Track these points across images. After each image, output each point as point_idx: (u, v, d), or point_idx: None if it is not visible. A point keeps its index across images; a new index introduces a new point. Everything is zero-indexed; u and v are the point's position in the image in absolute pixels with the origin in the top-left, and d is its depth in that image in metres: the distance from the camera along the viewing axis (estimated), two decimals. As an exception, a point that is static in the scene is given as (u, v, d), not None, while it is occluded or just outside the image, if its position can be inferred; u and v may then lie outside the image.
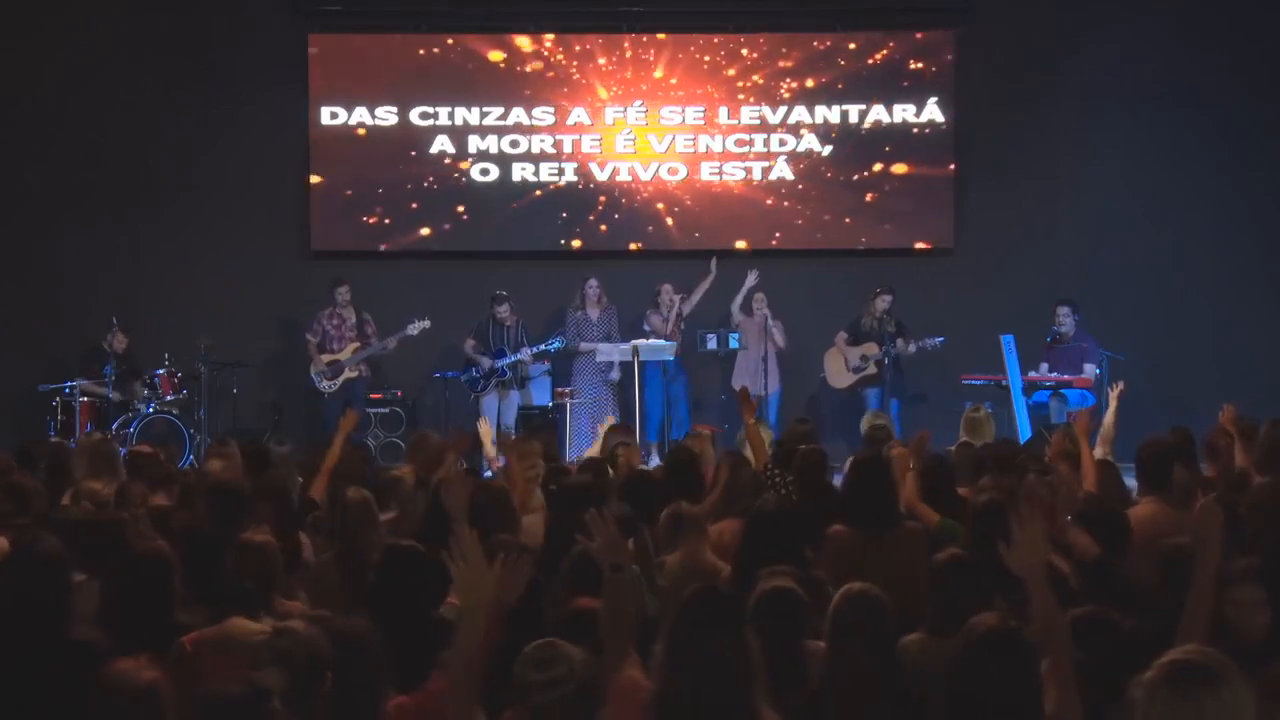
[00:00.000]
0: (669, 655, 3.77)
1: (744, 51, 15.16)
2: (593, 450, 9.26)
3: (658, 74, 15.13)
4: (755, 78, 15.13)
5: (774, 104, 15.12)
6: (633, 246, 15.24)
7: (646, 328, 14.08)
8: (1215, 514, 4.38)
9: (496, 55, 15.17)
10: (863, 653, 4.29)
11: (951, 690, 3.80)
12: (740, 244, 15.15)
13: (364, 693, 3.99)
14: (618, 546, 4.32)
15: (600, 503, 5.98)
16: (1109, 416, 9.56)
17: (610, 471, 7.79)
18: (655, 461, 12.45)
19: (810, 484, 7.29)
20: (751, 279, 14.17)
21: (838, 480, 7.85)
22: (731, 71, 15.15)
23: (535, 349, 13.99)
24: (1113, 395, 10.03)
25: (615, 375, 14.17)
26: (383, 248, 15.21)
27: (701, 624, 3.77)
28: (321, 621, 4.26)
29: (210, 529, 6.20)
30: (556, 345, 14.02)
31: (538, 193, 15.16)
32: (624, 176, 15.17)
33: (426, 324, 13.89)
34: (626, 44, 15.15)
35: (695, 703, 3.66)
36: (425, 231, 15.23)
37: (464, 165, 15.12)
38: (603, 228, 15.23)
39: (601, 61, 15.15)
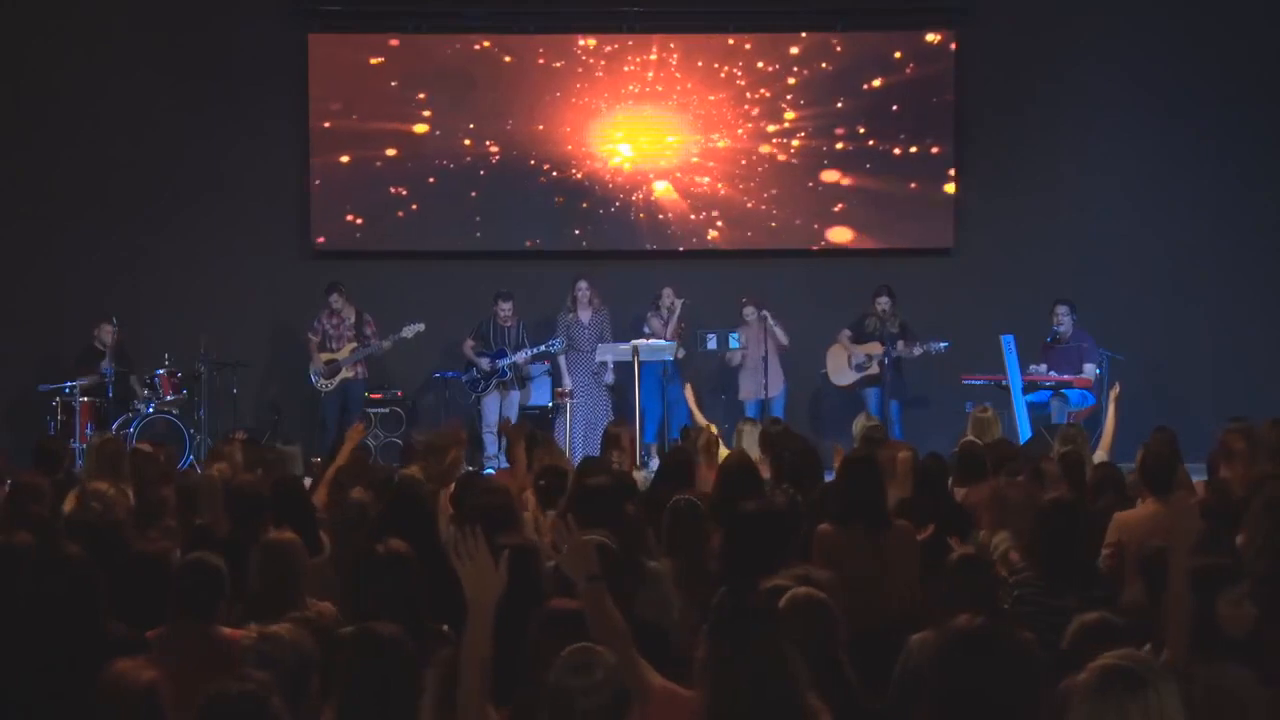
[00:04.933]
0: (715, 659, 3.76)
1: (743, 52, 15.15)
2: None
3: (657, 74, 15.12)
4: (755, 78, 15.12)
5: (774, 104, 15.11)
6: (632, 247, 15.24)
7: (646, 330, 14.05)
8: (1191, 511, 4.55)
9: (496, 55, 15.16)
10: (806, 658, 4.26)
11: (937, 691, 3.79)
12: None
13: (400, 697, 3.94)
14: (585, 557, 4.23)
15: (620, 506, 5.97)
16: (1109, 422, 9.59)
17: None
18: (655, 463, 12.44)
19: (809, 481, 7.31)
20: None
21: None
22: (731, 72, 15.14)
23: (535, 349, 13.98)
24: (1110, 399, 10.05)
25: (610, 379, 14.14)
26: (382, 247, 15.21)
27: (742, 624, 3.76)
28: (357, 626, 4.23)
29: (232, 532, 6.20)
30: (557, 346, 14.01)
31: (538, 193, 15.15)
32: (624, 177, 15.16)
33: (420, 327, 13.88)
34: (626, 44, 15.15)
35: (750, 704, 3.66)
36: (425, 232, 15.22)
37: (464, 165, 15.12)
38: (603, 228, 15.22)
39: (601, 62, 15.15)
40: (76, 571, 4.74)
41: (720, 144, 15.16)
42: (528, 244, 15.22)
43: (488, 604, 3.82)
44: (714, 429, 10.07)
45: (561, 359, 14.14)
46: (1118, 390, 10.17)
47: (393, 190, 15.13)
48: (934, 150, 15.13)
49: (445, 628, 4.79)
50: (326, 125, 15.03)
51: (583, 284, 14.20)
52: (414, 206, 15.16)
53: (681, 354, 14.05)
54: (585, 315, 14.21)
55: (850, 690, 4.50)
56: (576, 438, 13.77)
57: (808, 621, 4.38)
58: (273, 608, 5.00)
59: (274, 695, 3.61)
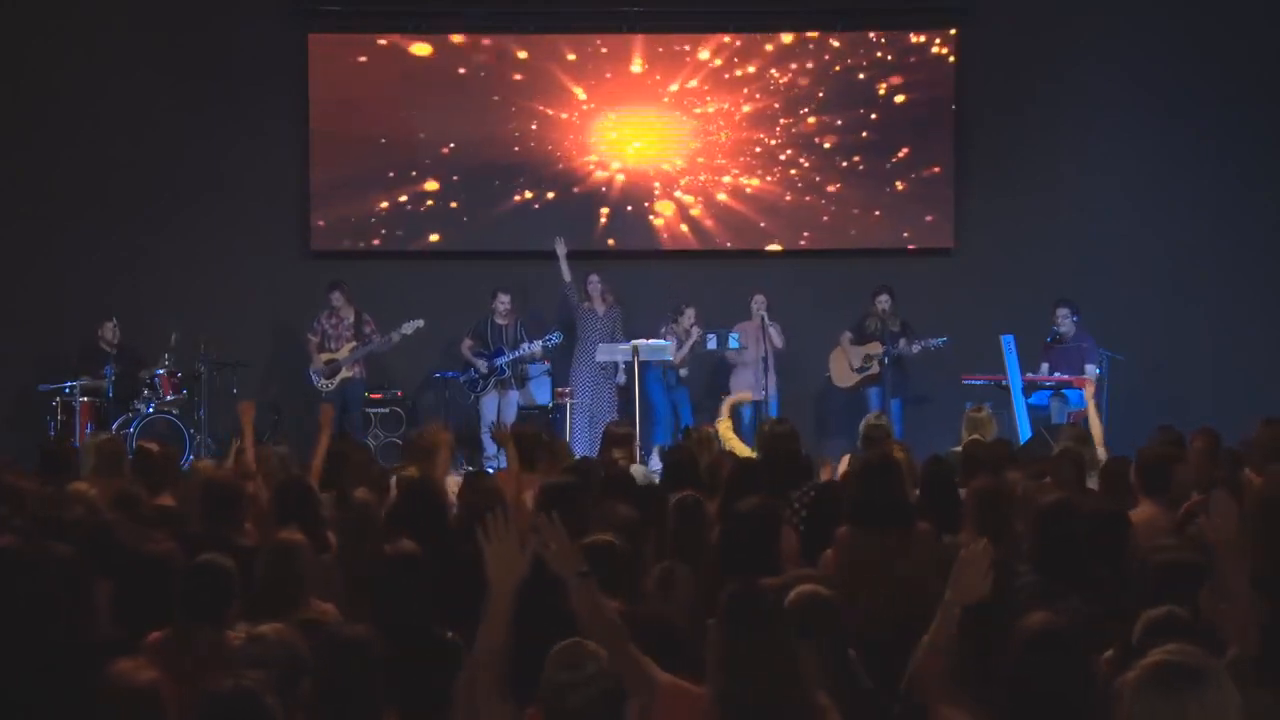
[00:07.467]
0: (725, 657, 3.76)
1: (744, 51, 15.15)
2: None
3: (657, 75, 15.12)
4: (755, 77, 15.12)
5: (774, 104, 15.11)
6: (632, 247, 15.24)
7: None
8: (1229, 509, 4.45)
9: (497, 55, 15.16)
10: (816, 654, 4.25)
11: (1009, 691, 3.78)
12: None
13: (364, 701, 3.95)
14: (570, 554, 4.17)
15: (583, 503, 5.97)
16: (1093, 420, 9.59)
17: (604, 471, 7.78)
18: (655, 463, 12.45)
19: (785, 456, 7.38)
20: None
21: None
22: (731, 71, 15.14)
23: (533, 345, 13.93)
24: (1087, 395, 10.05)
25: (621, 379, 14.08)
26: (382, 247, 15.20)
27: (751, 622, 3.77)
28: (321, 627, 4.24)
29: (206, 530, 6.19)
30: (555, 340, 13.99)
31: (539, 192, 15.15)
32: (625, 177, 15.15)
33: (420, 324, 13.88)
34: (627, 45, 15.14)
35: (761, 701, 3.67)
36: (425, 232, 15.22)
37: (464, 165, 15.11)
38: (603, 228, 15.22)
39: (602, 61, 15.14)
40: (58, 572, 4.70)
41: (720, 144, 15.15)
42: (529, 244, 15.18)
43: (509, 589, 3.81)
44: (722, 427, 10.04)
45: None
46: (1091, 389, 10.16)
47: (393, 190, 15.12)
48: (934, 150, 15.12)
49: (450, 634, 4.78)
50: (326, 125, 15.02)
51: (594, 277, 14.19)
52: (414, 206, 15.16)
53: (684, 374, 14.07)
54: (600, 308, 14.20)
55: (862, 689, 4.51)
56: (579, 434, 13.74)
57: (816, 619, 4.37)
58: (274, 608, 4.99)
59: (268, 692, 3.63)
